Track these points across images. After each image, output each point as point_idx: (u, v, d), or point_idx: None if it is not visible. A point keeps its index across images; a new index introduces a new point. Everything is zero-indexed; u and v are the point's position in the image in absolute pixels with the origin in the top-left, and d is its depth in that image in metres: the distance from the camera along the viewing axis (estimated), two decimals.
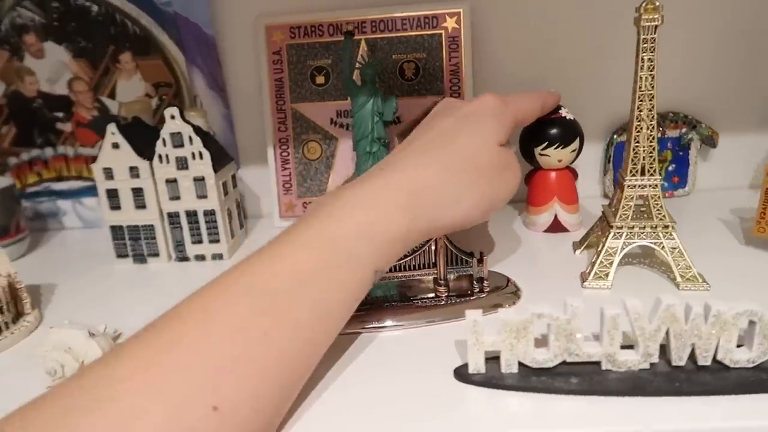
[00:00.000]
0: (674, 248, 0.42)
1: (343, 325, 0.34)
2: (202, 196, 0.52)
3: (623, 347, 0.31)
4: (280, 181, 0.61)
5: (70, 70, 0.61)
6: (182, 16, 0.59)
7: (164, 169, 0.52)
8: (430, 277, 0.43)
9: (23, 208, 0.62)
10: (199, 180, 0.52)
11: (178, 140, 0.51)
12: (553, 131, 0.50)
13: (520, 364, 0.32)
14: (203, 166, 0.51)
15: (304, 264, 0.31)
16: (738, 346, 0.31)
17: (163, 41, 0.60)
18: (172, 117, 0.51)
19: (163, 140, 0.51)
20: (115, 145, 0.51)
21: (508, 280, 0.44)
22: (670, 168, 0.61)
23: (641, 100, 0.41)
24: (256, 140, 0.62)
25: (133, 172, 0.52)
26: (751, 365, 0.31)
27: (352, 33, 0.56)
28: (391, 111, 0.51)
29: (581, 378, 0.31)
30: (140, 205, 0.53)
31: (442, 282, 0.42)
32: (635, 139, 0.41)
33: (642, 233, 0.42)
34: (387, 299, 0.42)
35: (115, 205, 0.53)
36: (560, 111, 0.50)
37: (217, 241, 0.54)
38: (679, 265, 0.41)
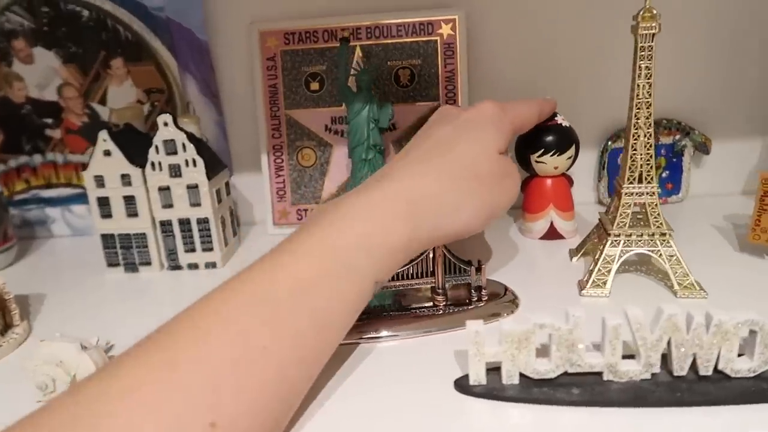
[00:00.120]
0: (671, 256, 0.42)
1: (343, 337, 0.33)
2: (196, 204, 0.52)
3: (624, 357, 0.31)
4: (273, 188, 0.60)
5: (59, 75, 0.60)
6: (175, 21, 0.58)
7: (157, 176, 0.51)
8: (428, 286, 0.43)
9: (11, 215, 0.60)
10: (193, 188, 0.51)
11: (171, 147, 0.50)
12: (549, 138, 0.50)
13: (521, 375, 0.32)
14: (197, 174, 0.51)
15: (304, 273, 0.31)
16: (738, 355, 0.31)
17: (155, 47, 0.59)
18: (166, 124, 0.50)
19: (156, 147, 0.50)
20: (107, 153, 0.51)
21: (506, 288, 0.44)
22: (663, 174, 0.61)
23: (638, 108, 0.41)
24: (250, 147, 0.61)
25: (125, 179, 0.51)
26: (752, 375, 0.31)
27: (348, 39, 0.56)
28: (386, 118, 0.51)
29: (583, 389, 0.31)
30: (132, 213, 0.52)
31: (441, 291, 0.42)
32: (632, 147, 0.41)
33: (639, 241, 0.42)
34: (385, 308, 0.42)
35: (106, 214, 0.52)
36: (556, 118, 0.50)
37: (211, 249, 0.53)
38: (676, 272, 0.41)
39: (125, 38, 0.59)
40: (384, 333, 0.39)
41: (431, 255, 0.41)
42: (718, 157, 0.60)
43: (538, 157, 0.51)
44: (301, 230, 0.34)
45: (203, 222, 0.52)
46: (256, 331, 0.28)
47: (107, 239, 0.53)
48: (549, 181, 0.52)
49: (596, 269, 0.43)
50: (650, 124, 0.41)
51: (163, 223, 0.53)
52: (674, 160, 0.60)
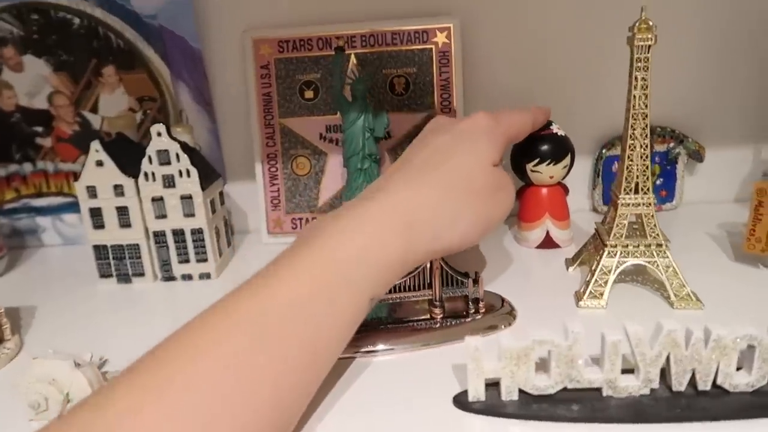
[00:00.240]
0: (668, 267, 0.42)
1: (340, 353, 0.33)
2: (190, 214, 0.51)
3: (623, 372, 0.31)
4: (268, 196, 0.60)
5: (50, 83, 0.60)
6: (168, 29, 0.58)
7: (150, 187, 0.50)
8: (425, 299, 0.43)
9: (0, 225, 0.59)
10: (187, 198, 0.51)
11: (164, 158, 0.50)
12: (545, 147, 0.50)
13: (521, 391, 0.31)
14: (191, 184, 0.50)
15: (304, 287, 0.31)
16: (737, 368, 0.31)
17: (148, 55, 0.58)
18: (159, 134, 0.49)
19: (149, 157, 0.50)
20: (99, 163, 0.50)
21: (503, 300, 0.44)
22: (658, 182, 0.61)
23: (635, 119, 0.41)
24: (244, 155, 0.61)
25: (118, 190, 0.51)
26: (750, 389, 0.31)
27: (343, 48, 0.56)
28: (382, 127, 0.51)
29: (582, 405, 0.31)
30: (125, 224, 0.51)
31: (438, 303, 0.41)
32: (629, 157, 0.41)
33: (636, 252, 0.42)
34: (381, 321, 0.41)
35: (98, 224, 0.52)
36: (551, 127, 0.50)
37: (205, 260, 0.52)
38: (672, 283, 0.42)
39: (117, 46, 0.58)
40: (381, 347, 0.39)
41: (428, 267, 0.41)
42: (711, 164, 0.60)
43: (534, 166, 0.51)
44: (299, 243, 0.33)
45: (197, 233, 0.52)
46: (252, 352, 0.28)
47: (100, 250, 0.53)
48: (544, 190, 0.52)
49: (593, 280, 0.43)
50: (647, 135, 0.41)
51: (156, 234, 0.52)
52: (668, 167, 0.61)
